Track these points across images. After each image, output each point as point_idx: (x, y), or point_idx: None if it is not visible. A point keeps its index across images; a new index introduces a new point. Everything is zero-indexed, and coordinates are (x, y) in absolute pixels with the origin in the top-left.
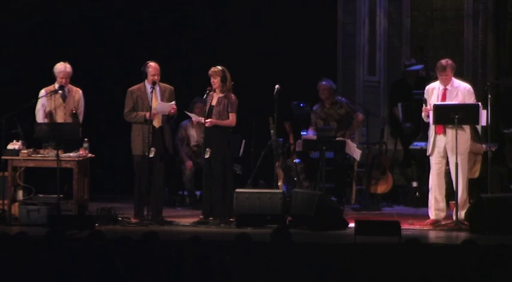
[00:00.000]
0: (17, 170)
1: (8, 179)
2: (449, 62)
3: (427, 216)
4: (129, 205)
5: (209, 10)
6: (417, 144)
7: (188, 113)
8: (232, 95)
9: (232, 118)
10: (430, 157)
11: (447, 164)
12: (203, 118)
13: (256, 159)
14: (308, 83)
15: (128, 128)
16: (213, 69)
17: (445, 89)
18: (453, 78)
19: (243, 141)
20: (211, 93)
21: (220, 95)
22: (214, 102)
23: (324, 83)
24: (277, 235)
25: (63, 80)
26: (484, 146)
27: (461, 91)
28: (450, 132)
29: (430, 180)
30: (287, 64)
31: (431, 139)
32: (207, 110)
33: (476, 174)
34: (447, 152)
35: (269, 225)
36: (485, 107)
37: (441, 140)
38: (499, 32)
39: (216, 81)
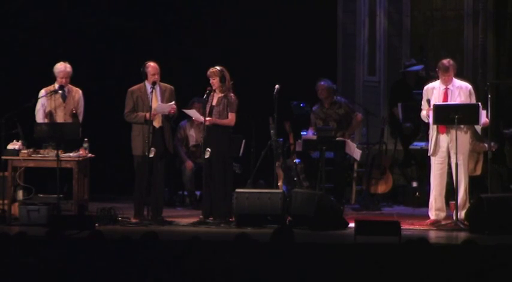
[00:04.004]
0: (17, 170)
1: (8, 179)
2: (451, 62)
3: (427, 216)
4: (129, 205)
5: (209, 10)
6: (417, 144)
7: (186, 111)
8: (232, 94)
9: (231, 117)
10: (432, 157)
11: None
12: (203, 117)
13: (256, 159)
14: (308, 83)
15: (128, 128)
16: (211, 69)
17: (447, 89)
18: (453, 78)
19: (243, 141)
20: (211, 93)
21: (220, 95)
22: (214, 103)
23: (322, 83)
24: (279, 234)
25: (63, 80)
26: (486, 145)
27: (463, 91)
28: (453, 131)
29: (431, 181)
30: (287, 64)
31: (433, 139)
32: (207, 110)
33: (479, 172)
34: (450, 151)
35: (269, 225)
36: (485, 107)
37: (444, 139)
38: (499, 32)
39: (215, 82)
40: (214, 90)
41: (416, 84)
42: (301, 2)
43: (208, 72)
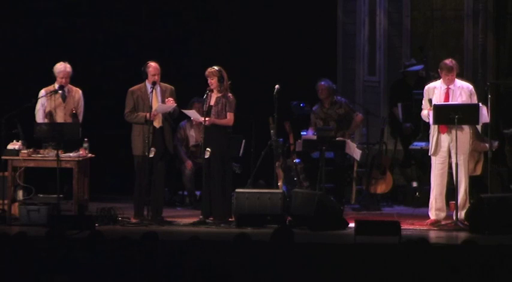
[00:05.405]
0: (17, 170)
1: (8, 179)
2: (454, 61)
3: (427, 216)
4: (129, 205)
5: (209, 10)
6: (417, 144)
7: (186, 111)
8: (230, 94)
9: (229, 117)
10: (432, 157)
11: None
12: (202, 117)
13: (256, 159)
14: (308, 83)
15: (128, 128)
16: (209, 69)
17: (448, 88)
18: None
19: (243, 141)
20: (210, 93)
21: (218, 94)
22: (212, 102)
23: (322, 83)
24: (279, 234)
25: (63, 80)
26: (487, 144)
27: (464, 91)
28: (454, 131)
29: (432, 181)
30: (287, 64)
31: (433, 139)
32: (205, 110)
33: (479, 172)
34: (450, 151)
35: (269, 225)
36: (484, 105)
37: (445, 139)
38: (499, 32)
39: (213, 82)
40: (212, 90)
41: (416, 84)
42: (301, 2)
43: (207, 72)
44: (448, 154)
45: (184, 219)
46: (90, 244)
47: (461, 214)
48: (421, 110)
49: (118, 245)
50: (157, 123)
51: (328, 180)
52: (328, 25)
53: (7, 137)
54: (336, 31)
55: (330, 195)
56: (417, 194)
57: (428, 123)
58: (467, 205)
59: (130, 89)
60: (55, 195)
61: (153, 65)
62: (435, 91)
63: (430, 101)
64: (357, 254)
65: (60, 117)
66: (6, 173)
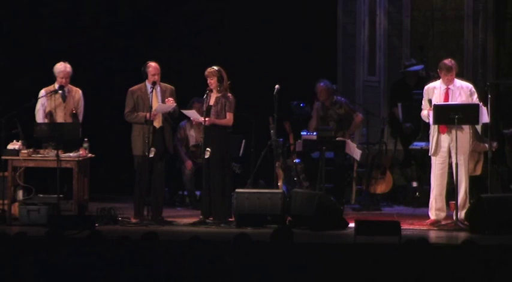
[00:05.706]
0: (17, 170)
1: (8, 179)
2: (453, 62)
3: (427, 216)
4: (129, 205)
5: (209, 10)
6: (417, 144)
7: (185, 112)
8: (230, 94)
9: (229, 117)
10: (433, 157)
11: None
12: (202, 117)
13: (256, 159)
14: (308, 83)
15: (128, 128)
16: (209, 70)
17: (448, 89)
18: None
19: (243, 141)
20: (209, 93)
21: (218, 94)
22: (212, 102)
23: (321, 84)
24: (279, 234)
25: (63, 80)
26: (486, 145)
27: (464, 91)
28: (454, 131)
29: (432, 181)
30: (287, 64)
31: (433, 139)
32: (205, 110)
33: (479, 172)
34: (451, 151)
35: (269, 225)
36: (485, 106)
37: (445, 139)
38: (499, 32)
39: (212, 82)
40: (212, 90)
41: (416, 84)
42: (301, 2)
43: (206, 73)
44: (448, 154)
45: (184, 219)
46: (90, 244)
47: (461, 214)
48: (421, 110)
49: (118, 245)
50: (157, 123)
51: (328, 180)
52: (328, 25)
53: (7, 137)
54: (336, 31)
55: (330, 195)
56: (417, 194)
57: (428, 123)
58: (467, 205)
59: (131, 89)
60: (55, 195)
61: (153, 65)
62: (435, 91)
63: (429, 101)
64: (357, 254)
65: (60, 117)
66: (6, 173)
